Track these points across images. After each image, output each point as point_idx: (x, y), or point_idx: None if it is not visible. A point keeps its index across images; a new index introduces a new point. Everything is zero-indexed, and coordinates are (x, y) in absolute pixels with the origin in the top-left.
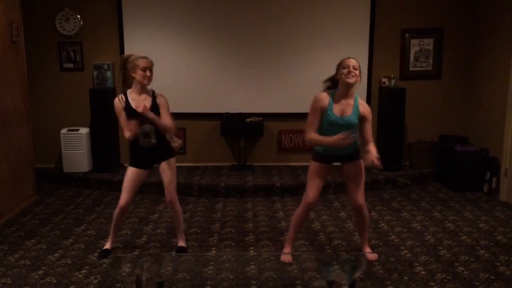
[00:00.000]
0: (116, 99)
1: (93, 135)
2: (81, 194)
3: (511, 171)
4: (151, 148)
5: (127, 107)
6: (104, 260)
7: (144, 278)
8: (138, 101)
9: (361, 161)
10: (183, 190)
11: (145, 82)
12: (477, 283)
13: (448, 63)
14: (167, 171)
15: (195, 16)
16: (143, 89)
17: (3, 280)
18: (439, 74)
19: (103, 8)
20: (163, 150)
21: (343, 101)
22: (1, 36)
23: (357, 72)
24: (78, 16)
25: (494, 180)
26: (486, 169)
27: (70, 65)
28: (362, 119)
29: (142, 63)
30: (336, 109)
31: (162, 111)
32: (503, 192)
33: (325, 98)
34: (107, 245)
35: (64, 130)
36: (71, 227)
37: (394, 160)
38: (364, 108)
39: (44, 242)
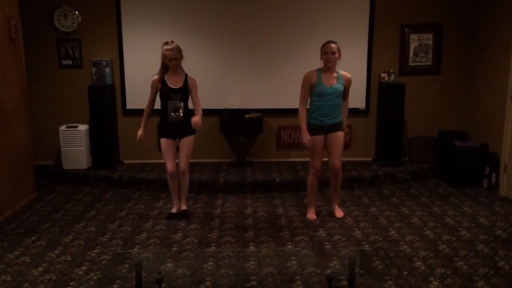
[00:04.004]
0: (156, 77)
1: (92, 131)
2: (81, 191)
3: (511, 166)
4: (178, 122)
5: (163, 85)
6: (168, 220)
7: (143, 274)
8: (173, 80)
9: (343, 132)
10: None
11: (173, 68)
12: (476, 278)
13: (447, 58)
14: (186, 145)
15: (193, 13)
16: (176, 71)
17: (3, 277)
18: (438, 69)
19: (101, 4)
20: (187, 127)
21: (329, 75)
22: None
23: (335, 55)
24: (77, 12)
25: (493, 175)
26: (486, 164)
27: (69, 62)
28: (345, 87)
29: (167, 55)
30: (325, 81)
31: (193, 92)
32: (503, 187)
33: (313, 75)
34: (174, 210)
35: (63, 127)
36: (70, 224)
37: (394, 155)
38: (346, 79)
39: (43, 239)
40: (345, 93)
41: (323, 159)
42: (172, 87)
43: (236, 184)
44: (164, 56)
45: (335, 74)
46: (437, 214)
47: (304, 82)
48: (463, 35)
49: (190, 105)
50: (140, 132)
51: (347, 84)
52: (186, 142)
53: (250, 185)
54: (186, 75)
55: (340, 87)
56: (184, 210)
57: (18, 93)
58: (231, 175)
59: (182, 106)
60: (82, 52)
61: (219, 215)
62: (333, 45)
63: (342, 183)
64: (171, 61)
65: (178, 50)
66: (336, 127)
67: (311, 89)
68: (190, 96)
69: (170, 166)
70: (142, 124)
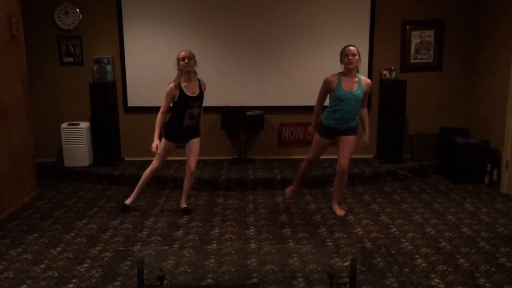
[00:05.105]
0: (172, 85)
1: (93, 129)
2: (82, 188)
3: None
4: (190, 127)
5: (181, 93)
6: (124, 213)
7: (145, 271)
8: (189, 87)
9: (355, 137)
10: None
11: (186, 69)
12: (478, 275)
13: (449, 55)
14: (194, 147)
15: (195, 10)
16: (191, 78)
17: (5, 274)
18: (439, 66)
19: (102, 1)
20: (195, 130)
21: (350, 80)
22: (1, 30)
23: (356, 58)
24: (77, 10)
25: (495, 172)
26: (487, 161)
27: (70, 59)
28: (364, 93)
29: (181, 54)
30: (345, 86)
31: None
32: (504, 184)
33: (334, 79)
34: (128, 201)
35: (64, 125)
36: (72, 221)
37: (395, 152)
38: (366, 84)
39: (45, 236)
40: (363, 100)
41: (329, 157)
42: (191, 95)
43: (238, 181)
44: (178, 60)
45: (356, 79)
46: (438, 211)
47: (324, 85)
48: (464, 31)
49: None
50: (155, 143)
51: (367, 89)
52: (195, 143)
53: (251, 182)
54: (199, 80)
55: (360, 93)
56: (185, 207)
57: (19, 91)
58: (232, 172)
59: (199, 114)
60: (83, 49)
61: (221, 212)
62: (352, 47)
63: None
64: (184, 61)
65: (191, 53)
66: (350, 130)
67: (330, 92)
68: None
69: (156, 164)
70: (156, 134)
